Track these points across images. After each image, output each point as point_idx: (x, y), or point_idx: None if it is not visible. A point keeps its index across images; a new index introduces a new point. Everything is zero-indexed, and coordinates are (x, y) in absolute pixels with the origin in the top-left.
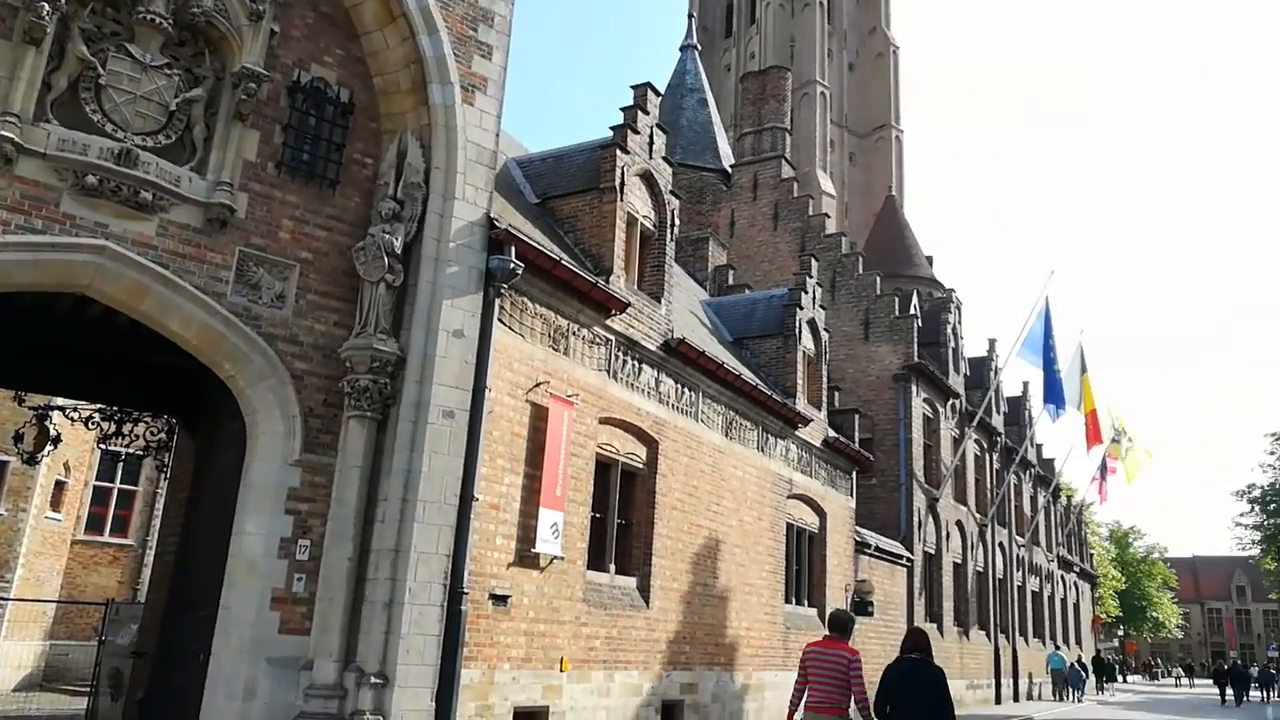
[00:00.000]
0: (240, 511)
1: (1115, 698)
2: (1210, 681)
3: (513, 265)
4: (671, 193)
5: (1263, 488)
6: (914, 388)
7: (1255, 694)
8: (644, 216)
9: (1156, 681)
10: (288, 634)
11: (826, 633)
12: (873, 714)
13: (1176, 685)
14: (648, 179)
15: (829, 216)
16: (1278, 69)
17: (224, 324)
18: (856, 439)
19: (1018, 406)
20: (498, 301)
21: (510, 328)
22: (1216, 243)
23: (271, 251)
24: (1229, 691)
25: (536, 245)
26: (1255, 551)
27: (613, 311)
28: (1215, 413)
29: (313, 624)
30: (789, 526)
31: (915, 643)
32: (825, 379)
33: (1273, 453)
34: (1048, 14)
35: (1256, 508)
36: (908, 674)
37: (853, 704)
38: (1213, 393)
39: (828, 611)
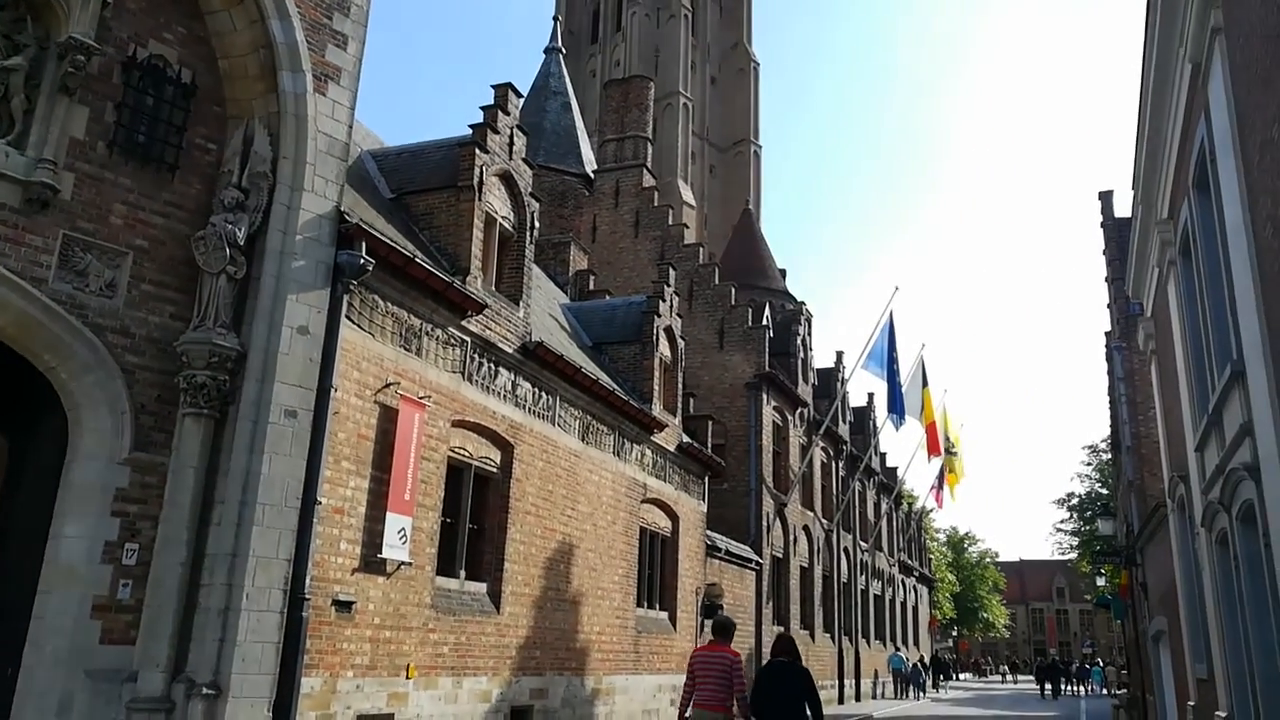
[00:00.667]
0: (59, 514)
1: (949, 695)
2: (1032, 677)
3: (363, 261)
4: (532, 195)
5: (1079, 496)
6: (765, 396)
7: (1072, 688)
8: (503, 217)
9: (985, 678)
10: (110, 644)
11: (711, 638)
12: (748, 709)
13: (1003, 681)
14: (507, 180)
15: (688, 227)
16: (1097, 106)
17: (43, 311)
18: (709, 445)
19: (863, 416)
20: (346, 298)
21: (359, 326)
22: (1051, 260)
23: (101, 237)
24: (1048, 686)
25: (389, 241)
26: (1073, 555)
27: (469, 312)
28: (1045, 423)
29: (139, 632)
30: (643, 531)
31: (784, 647)
32: (681, 386)
33: (1089, 464)
34: (900, 48)
35: (1074, 515)
36: (778, 674)
37: (735, 700)
38: (1044, 404)
39: (678, 615)
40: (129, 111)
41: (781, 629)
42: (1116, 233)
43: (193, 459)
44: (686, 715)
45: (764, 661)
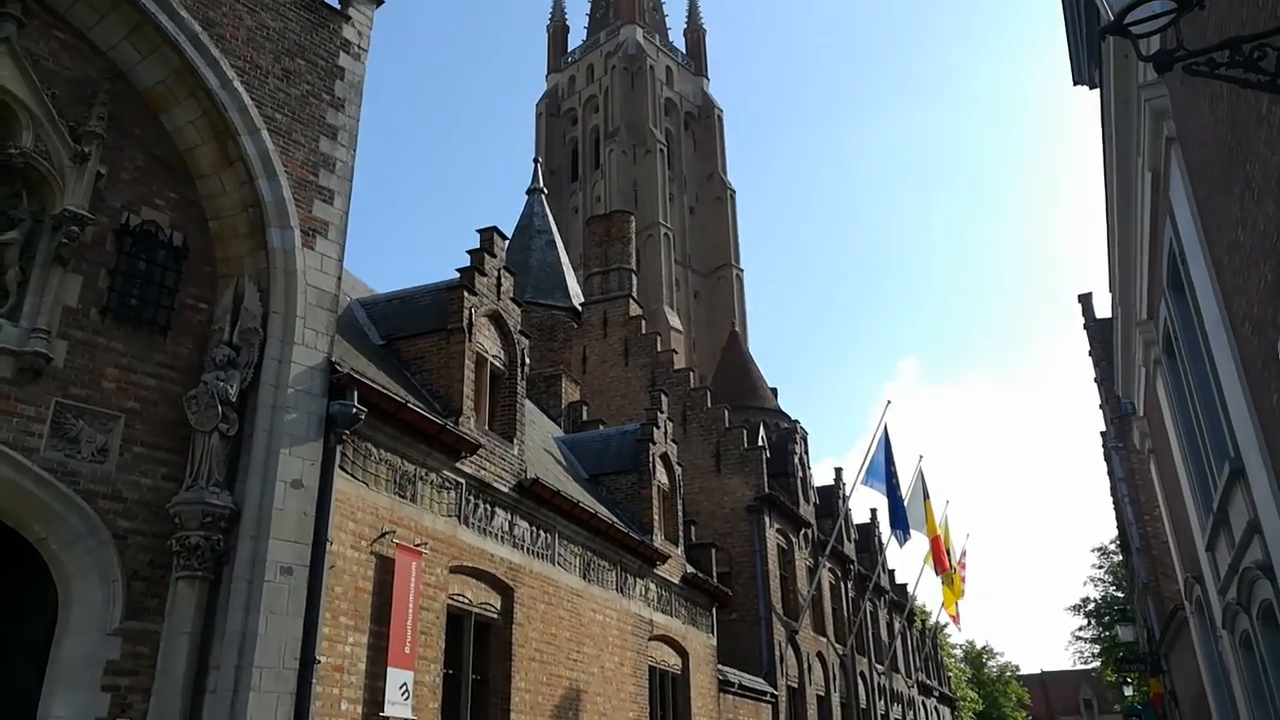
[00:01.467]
0: (48, 692)
1: None
2: None
3: (355, 410)
4: (521, 332)
5: (1095, 601)
6: (767, 519)
7: None
8: (494, 356)
9: None
10: None
11: None
12: None
13: None
14: (496, 319)
15: (677, 352)
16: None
17: (35, 482)
18: (714, 573)
19: (868, 534)
20: (340, 448)
21: (353, 475)
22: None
23: (93, 402)
24: None
25: (380, 388)
26: (1096, 664)
27: (463, 453)
28: (1051, 526)
29: None
30: (652, 670)
31: None
32: (681, 513)
33: (1100, 566)
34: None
35: (1091, 621)
36: None
37: None
38: (1048, 507)
39: None
40: (122, 277)
41: None
42: (1100, 333)
43: (186, 624)
44: None
45: None
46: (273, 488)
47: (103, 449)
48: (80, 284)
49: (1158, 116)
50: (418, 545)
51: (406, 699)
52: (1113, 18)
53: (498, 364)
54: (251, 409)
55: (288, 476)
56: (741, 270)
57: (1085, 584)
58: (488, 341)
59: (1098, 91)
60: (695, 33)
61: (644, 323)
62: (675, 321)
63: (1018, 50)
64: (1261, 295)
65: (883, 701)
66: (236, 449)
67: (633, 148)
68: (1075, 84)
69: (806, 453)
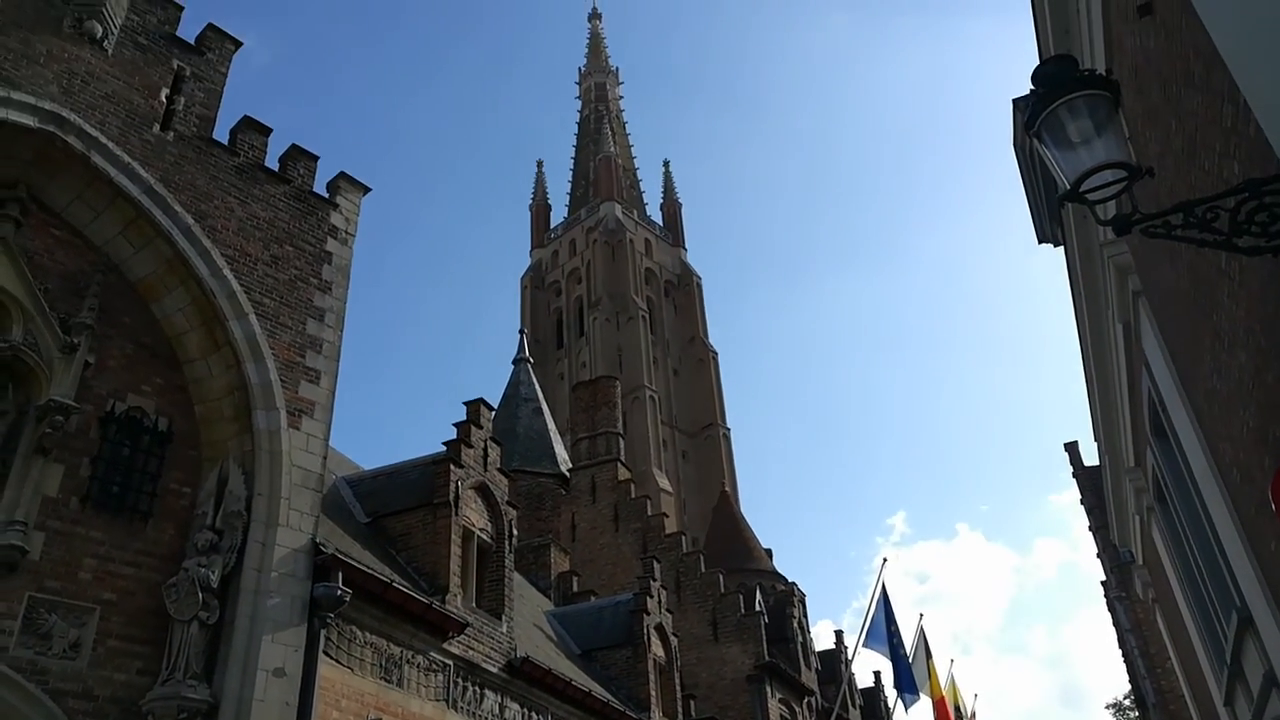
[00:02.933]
0: None
1: None
2: None
3: (340, 592)
4: (509, 503)
5: None
6: (769, 689)
7: None
8: (480, 529)
9: None
10: None
11: None
12: None
13: None
14: (484, 491)
15: (668, 515)
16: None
17: (2, 683)
18: None
19: (873, 699)
20: (324, 633)
21: (338, 661)
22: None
23: (68, 595)
24: None
25: (366, 569)
26: None
27: (450, 633)
28: (1064, 679)
29: None
30: None
31: None
32: (679, 686)
33: None
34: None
35: None
36: None
37: None
38: (1059, 657)
39: None
40: (105, 464)
41: None
42: (1090, 481)
43: None
44: None
45: None
46: (253, 677)
47: (75, 644)
48: (61, 473)
49: (1122, 272)
50: None
51: None
52: (1069, 186)
53: (485, 537)
54: (233, 595)
55: (269, 665)
56: (728, 429)
57: None
58: (474, 514)
59: (1063, 249)
60: (671, 206)
61: (633, 486)
62: (664, 483)
63: (991, 211)
64: (1245, 442)
65: None
66: (216, 637)
67: (616, 315)
68: (1040, 242)
69: (805, 616)
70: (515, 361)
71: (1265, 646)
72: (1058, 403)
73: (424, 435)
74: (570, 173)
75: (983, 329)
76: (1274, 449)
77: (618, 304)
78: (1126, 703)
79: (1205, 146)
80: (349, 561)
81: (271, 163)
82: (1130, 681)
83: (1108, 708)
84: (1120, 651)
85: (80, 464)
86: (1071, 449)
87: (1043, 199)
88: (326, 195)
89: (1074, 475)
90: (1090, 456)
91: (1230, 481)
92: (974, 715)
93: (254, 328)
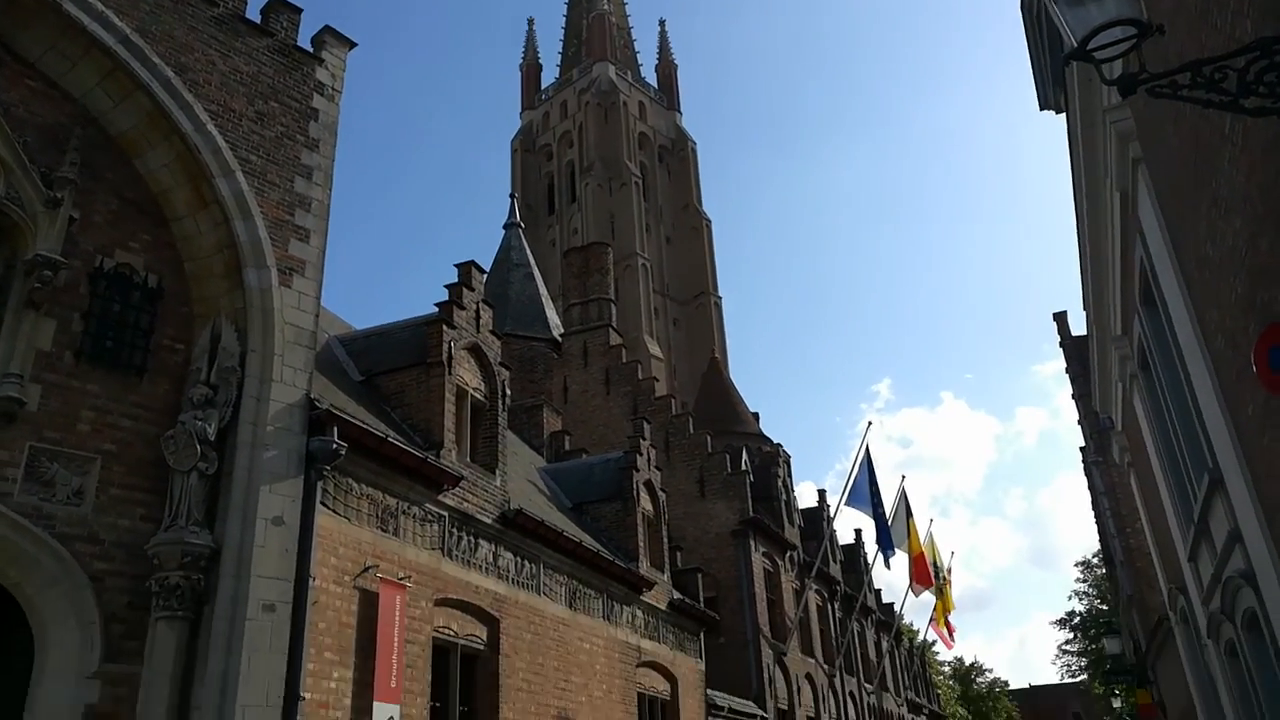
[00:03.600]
0: None
1: None
2: None
3: (335, 446)
4: (501, 364)
5: (1080, 615)
6: (753, 543)
7: None
8: (474, 389)
9: None
10: None
11: None
12: None
13: None
14: (476, 352)
15: (658, 380)
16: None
17: (10, 527)
18: (701, 599)
19: (853, 554)
20: (320, 484)
21: (335, 511)
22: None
23: (68, 445)
24: None
25: (360, 423)
26: (1084, 677)
27: (445, 486)
28: (1036, 541)
29: None
30: (640, 697)
31: None
32: (666, 540)
33: (1084, 580)
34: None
35: (1078, 635)
36: None
37: None
38: (1034, 520)
39: None
40: (96, 320)
41: None
42: (1076, 350)
43: (166, 665)
44: None
45: None
46: (253, 525)
47: (78, 491)
48: (54, 328)
49: (1123, 138)
50: (401, 579)
51: None
52: (1076, 44)
53: (478, 396)
54: (230, 447)
55: (268, 514)
56: (720, 298)
57: (1070, 598)
58: (468, 374)
59: (1064, 116)
60: (666, 68)
61: (624, 351)
62: (655, 350)
63: (981, 80)
64: (1233, 309)
65: None
66: (215, 488)
67: (608, 181)
68: (1041, 109)
69: (790, 476)
70: (506, 226)
71: (1233, 505)
72: (1044, 274)
73: (415, 299)
74: (562, 31)
75: (972, 200)
76: (1261, 314)
77: (610, 169)
78: (1095, 560)
79: (1219, 2)
80: (344, 416)
81: (252, 14)
82: (1100, 541)
83: (1076, 565)
84: (1093, 514)
85: (72, 319)
86: (1060, 319)
87: (1047, 63)
88: (311, 50)
89: (1060, 345)
90: (1077, 326)
91: (1214, 348)
92: (950, 572)
93: (241, 185)
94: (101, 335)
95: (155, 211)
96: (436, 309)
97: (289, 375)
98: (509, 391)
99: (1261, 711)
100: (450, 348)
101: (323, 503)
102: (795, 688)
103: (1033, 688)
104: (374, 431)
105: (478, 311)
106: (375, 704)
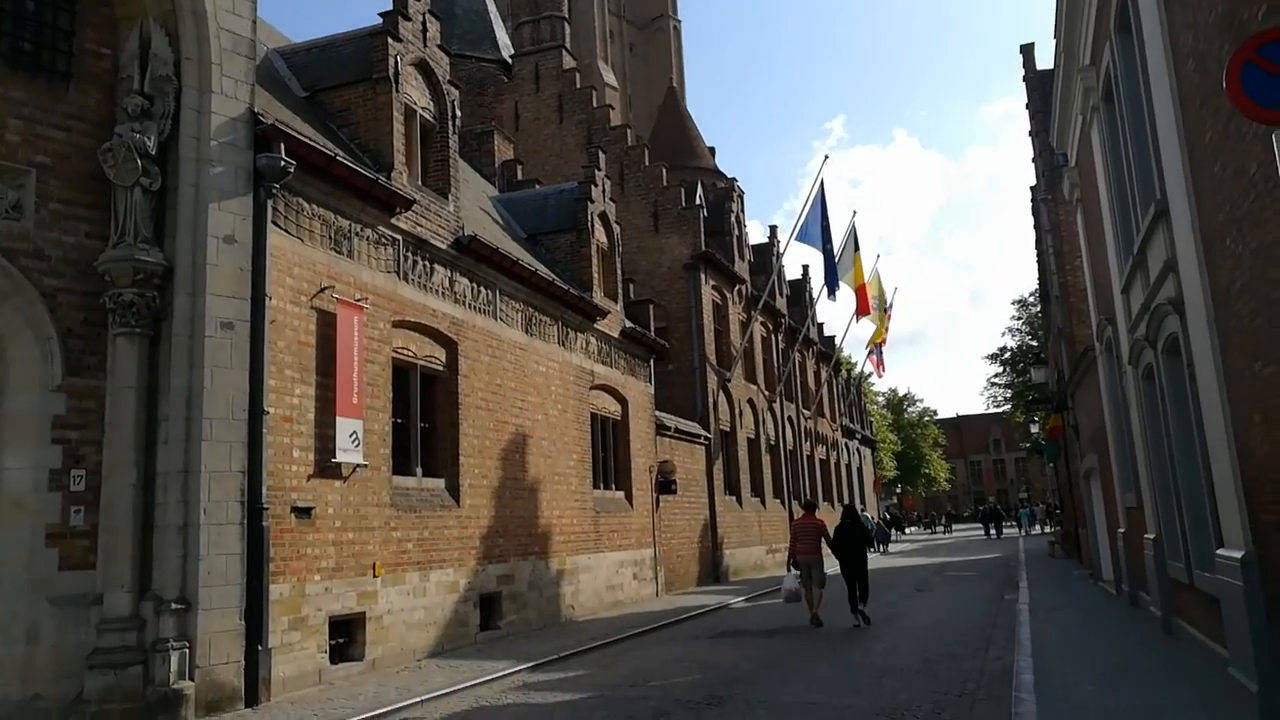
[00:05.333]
0: None
1: (903, 547)
2: (978, 524)
3: (283, 163)
4: (450, 82)
5: (1011, 350)
6: (703, 276)
7: (1018, 529)
8: (423, 108)
9: (930, 530)
10: (70, 570)
11: (804, 512)
12: (833, 551)
13: (944, 532)
14: (424, 68)
15: (613, 108)
16: None
17: None
18: (652, 328)
19: (800, 289)
20: (270, 203)
21: (287, 231)
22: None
23: None
24: (992, 529)
25: (309, 141)
26: (1007, 407)
27: (397, 209)
28: (976, 282)
29: (98, 556)
30: (593, 416)
31: (849, 513)
32: (620, 271)
33: (1018, 318)
34: None
35: (1006, 369)
36: (847, 529)
37: (824, 545)
38: (975, 264)
39: (634, 493)
40: (10, 19)
41: (733, 498)
42: (1039, 85)
43: (130, 379)
44: (795, 562)
45: (716, 527)
46: (204, 243)
47: (16, 205)
48: None
49: None
50: (358, 300)
51: (357, 446)
52: None
53: (427, 116)
54: (173, 163)
55: (219, 232)
56: (679, 21)
57: (1004, 334)
58: (416, 92)
59: None
60: None
61: (578, 76)
62: (610, 78)
63: None
64: (1210, 29)
65: (808, 443)
66: (161, 205)
67: None
68: None
69: (743, 211)
70: None
71: (1174, 234)
72: (1008, 6)
73: (358, 10)
74: None
75: None
76: (1237, 35)
77: None
78: (1031, 299)
79: None
80: (291, 133)
81: None
82: (1039, 278)
83: (1013, 303)
84: (1036, 252)
85: None
86: (1026, 51)
87: None
88: None
89: (1025, 79)
90: (1044, 60)
91: (1184, 73)
92: (891, 305)
93: None
94: (18, 37)
95: None
96: (380, 19)
97: (229, 87)
98: (459, 113)
99: (1168, 430)
100: (397, 62)
101: (274, 222)
102: (738, 411)
103: (959, 417)
104: (323, 150)
105: (424, 24)
106: (338, 419)
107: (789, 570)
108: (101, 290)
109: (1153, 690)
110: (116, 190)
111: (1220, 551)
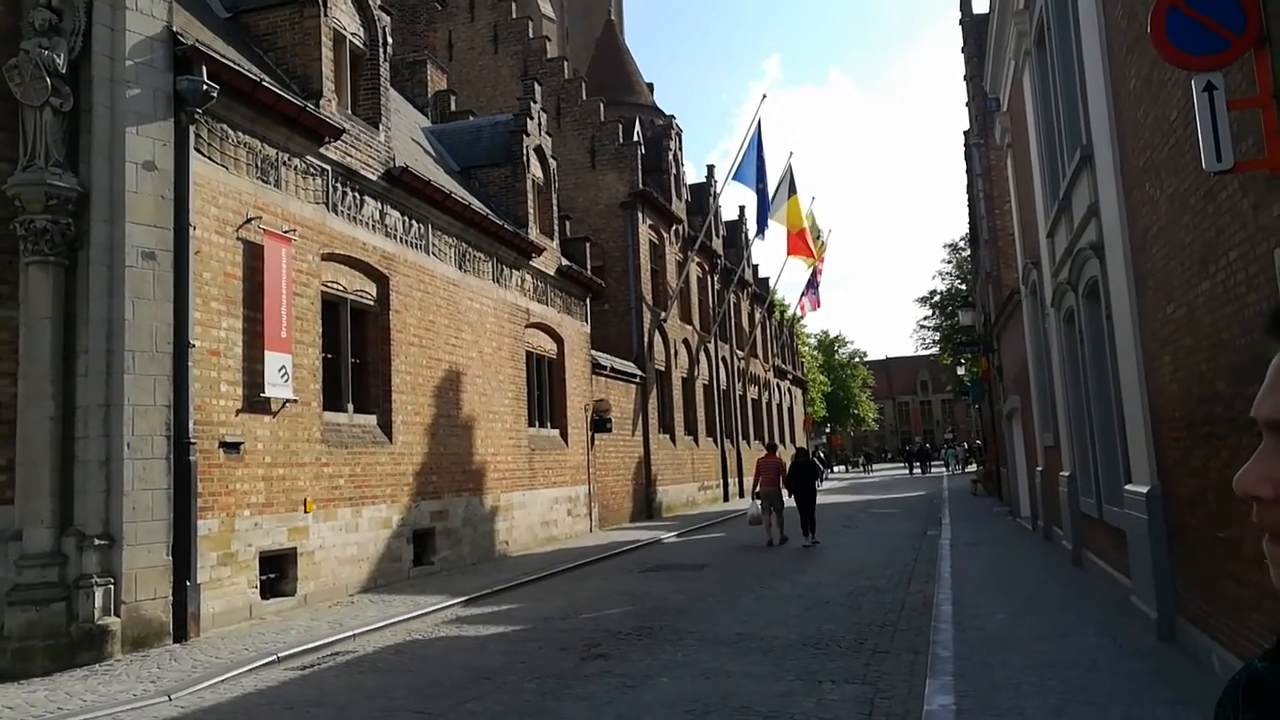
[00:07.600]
0: None
1: (832, 485)
2: (901, 462)
3: (205, 87)
4: (382, 8)
5: (940, 293)
6: (640, 215)
7: (944, 468)
8: (352, 34)
9: (858, 469)
10: None
11: (766, 451)
12: (785, 485)
13: (867, 471)
14: None
15: (550, 40)
16: None
17: None
18: (589, 266)
19: (736, 230)
20: (193, 129)
21: (211, 159)
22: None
23: None
24: (917, 466)
25: (232, 65)
26: (935, 350)
27: (326, 139)
28: (908, 226)
29: (15, 491)
30: (529, 354)
31: (801, 453)
32: (556, 208)
33: (949, 261)
34: None
35: (936, 311)
36: (800, 466)
37: (781, 481)
38: (908, 208)
39: (569, 431)
40: None
41: (667, 436)
42: (975, 30)
43: (45, 309)
44: (757, 492)
45: (650, 465)
46: (122, 169)
47: None
48: None
49: None
50: (286, 232)
51: (286, 381)
52: None
53: (357, 43)
54: (86, 83)
55: (138, 158)
56: None
57: (934, 278)
58: (345, 17)
59: None
60: None
61: (514, 6)
62: (547, 9)
63: None
64: None
65: (741, 383)
66: (74, 127)
67: None
68: None
69: (680, 150)
70: None
71: (1097, 180)
72: None
73: None
74: None
75: None
76: None
77: None
78: (961, 244)
79: None
80: (213, 55)
81: None
82: (969, 223)
83: (944, 247)
84: (967, 196)
85: None
86: None
87: None
88: None
89: (961, 22)
90: (981, 4)
91: (1112, 19)
92: (825, 247)
93: None
94: None
95: None
96: None
97: (144, 3)
98: (390, 40)
99: (1085, 370)
100: None
101: (197, 149)
102: (673, 351)
103: (889, 359)
104: (247, 74)
105: None
106: (266, 353)
107: (753, 500)
108: (11, 216)
109: (1060, 618)
110: (24, 110)
111: (1128, 487)
